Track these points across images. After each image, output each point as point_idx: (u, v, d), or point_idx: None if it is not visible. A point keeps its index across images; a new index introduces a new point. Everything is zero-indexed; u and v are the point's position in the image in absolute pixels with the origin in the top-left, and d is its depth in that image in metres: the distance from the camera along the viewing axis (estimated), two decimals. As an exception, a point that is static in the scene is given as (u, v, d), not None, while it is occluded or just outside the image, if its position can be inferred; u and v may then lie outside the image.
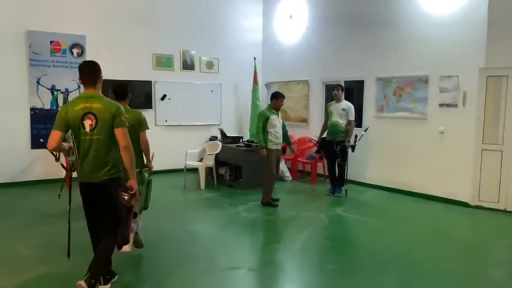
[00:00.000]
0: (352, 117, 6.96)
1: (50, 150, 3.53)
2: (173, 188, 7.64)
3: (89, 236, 3.45)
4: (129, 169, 3.25)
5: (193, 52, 9.31)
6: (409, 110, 7.09)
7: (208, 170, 7.91)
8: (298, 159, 8.47)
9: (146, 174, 4.30)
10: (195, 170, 7.98)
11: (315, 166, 8.20)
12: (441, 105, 6.66)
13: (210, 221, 5.74)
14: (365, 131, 7.16)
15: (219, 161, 8.11)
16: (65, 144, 3.35)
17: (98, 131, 3.17)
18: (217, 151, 7.83)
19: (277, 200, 6.59)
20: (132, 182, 3.27)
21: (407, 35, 7.08)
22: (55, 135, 3.15)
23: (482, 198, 6.29)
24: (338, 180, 7.09)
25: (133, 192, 3.26)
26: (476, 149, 6.29)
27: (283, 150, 8.26)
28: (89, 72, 3.31)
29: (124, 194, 3.22)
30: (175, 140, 8.80)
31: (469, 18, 6.27)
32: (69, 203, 4.03)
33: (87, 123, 3.16)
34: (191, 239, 4.94)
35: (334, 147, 6.90)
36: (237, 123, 10.07)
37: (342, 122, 6.94)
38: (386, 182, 7.50)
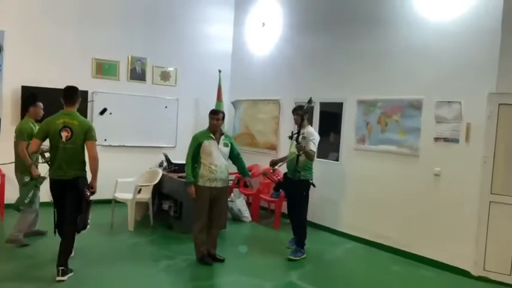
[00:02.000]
0: (313, 147, 5.04)
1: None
2: (96, 227, 5.96)
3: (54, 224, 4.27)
4: (93, 173, 4.20)
5: (145, 59, 7.80)
6: (396, 142, 5.53)
7: (145, 206, 6.31)
8: (261, 195, 6.86)
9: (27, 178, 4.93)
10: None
11: (280, 206, 6.56)
12: (437, 139, 5.10)
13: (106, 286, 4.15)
14: (308, 102, 5.22)
15: (163, 193, 6.53)
16: (43, 146, 4.35)
17: (71, 141, 4.12)
18: (155, 182, 6.23)
19: (221, 260, 4.90)
20: (93, 183, 4.22)
21: (397, 47, 5.57)
22: (36, 142, 4.16)
23: (489, 267, 4.67)
24: (294, 233, 5.40)
25: (93, 190, 4.22)
26: (483, 201, 4.71)
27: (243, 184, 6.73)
28: (70, 95, 4.32)
29: (87, 190, 4.18)
30: (116, 165, 7.13)
31: (477, 28, 4.77)
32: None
33: (64, 134, 4.11)
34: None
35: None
36: (196, 147, 8.49)
37: (301, 156, 5.06)
38: (365, 233, 5.89)
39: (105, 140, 7.34)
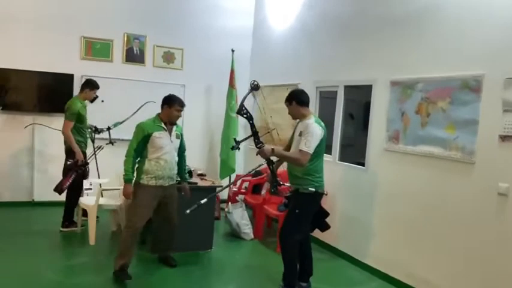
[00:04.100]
0: (303, 147, 3.40)
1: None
2: (55, 236, 4.95)
3: None
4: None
5: (144, 37, 6.59)
6: (442, 142, 3.71)
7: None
8: (266, 207, 5.32)
9: None
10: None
11: (287, 222, 4.98)
12: (505, 137, 3.23)
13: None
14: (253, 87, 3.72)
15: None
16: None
17: None
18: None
19: (173, 265, 4.27)
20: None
21: (445, 2, 3.74)
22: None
23: None
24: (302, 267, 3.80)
25: (73, 159, 4.90)
26: None
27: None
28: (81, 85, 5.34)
29: (68, 159, 4.94)
30: (109, 160, 5.93)
31: None
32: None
33: None
34: None
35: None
36: (206, 144, 7.14)
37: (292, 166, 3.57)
38: (397, 271, 4.13)
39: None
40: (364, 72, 4.67)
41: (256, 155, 3.48)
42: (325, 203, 4.88)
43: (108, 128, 5.70)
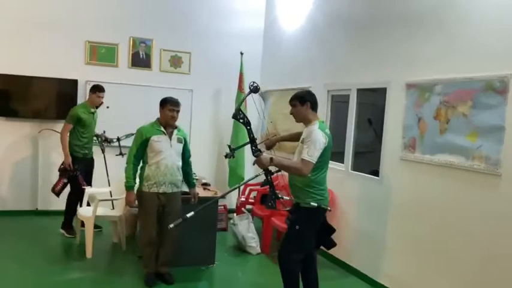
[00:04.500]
0: (305, 156, 3.02)
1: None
2: (54, 249, 4.75)
3: None
4: None
5: (151, 41, 6.37)
6: (463, 151, 3.31)
7: (133, 223, 4.94)
8: (273, 219, 4.98)
9: None
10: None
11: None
12: (536, 146, 2.83)
13: None
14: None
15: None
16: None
17: None
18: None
19: (170, 282, 3.95)
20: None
21: (466, 0, 3.37)
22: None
23: None
24: None
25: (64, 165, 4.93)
26: None
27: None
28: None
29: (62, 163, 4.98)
30: (115, 169, 5.67)
31: None
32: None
33: None
34: None
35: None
36: (214, 150, 6.84)
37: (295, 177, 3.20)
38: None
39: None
40: (377, 74, 4.30)
41: (254, 164, 3.17)
42: (336, 216, 4.56)
43: (118, 139, 5.52)
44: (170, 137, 3.87)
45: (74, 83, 5.99)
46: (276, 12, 6.56)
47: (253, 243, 4.99)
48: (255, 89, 3.14)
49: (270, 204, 3.10)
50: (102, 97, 5.21)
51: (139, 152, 3.81)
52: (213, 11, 6.64)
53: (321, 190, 3.21)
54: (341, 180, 4.71)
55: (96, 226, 5.43)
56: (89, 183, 5.29)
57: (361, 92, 4.63)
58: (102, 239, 5.10)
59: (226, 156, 3.33)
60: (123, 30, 6.22)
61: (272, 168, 3.15)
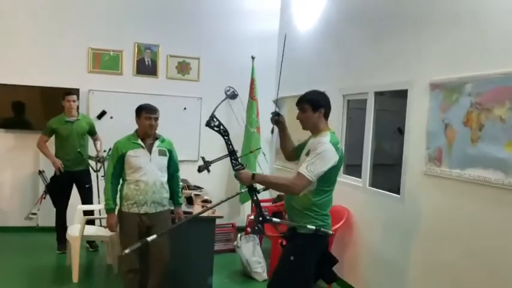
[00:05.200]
0: (303, 169, 2.47)
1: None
2: (40, 271, 4.38)
3: None
4: None
5: (157, 47, 5.99)
6: (500, 164, 2.65)
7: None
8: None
9: None
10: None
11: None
12: None
13: None
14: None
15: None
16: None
17: None
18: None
19: None
20: None
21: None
22: None
23: None
24: None
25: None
26: None
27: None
28: None
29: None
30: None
31: None
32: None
33: None
34: None
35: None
36: (227, 162, 6.27)
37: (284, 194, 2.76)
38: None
39: (104, 150, 5.65)
40: (396, 74, 3.69)
41: (237, 179, 2.64)
42: (352, 238, 3.97)
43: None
44: (150, 150, 3.38)
45: (76, 92, 5.65)
46: (291, 11, 6.04)
47: (259, 268, 4.43)
48: (232, 95, 2.63)
49: (256, 228, 2.55)
50: (72, 101, 4.86)
51: (117, 169, 3.36)
52: (223, 12, 6.19)
53: (323, 215, 2.63)
54: (358, 198, 4.10)
55: (92, 246, 5.09)
56: (84, 199, 4.95)
57: (385, 97, 4.04)
58: (96, 260, 4.72)
59: (199, 170, 2.79)
60: (127, 35, 5.88)
61: (258, 185, 2.61)
